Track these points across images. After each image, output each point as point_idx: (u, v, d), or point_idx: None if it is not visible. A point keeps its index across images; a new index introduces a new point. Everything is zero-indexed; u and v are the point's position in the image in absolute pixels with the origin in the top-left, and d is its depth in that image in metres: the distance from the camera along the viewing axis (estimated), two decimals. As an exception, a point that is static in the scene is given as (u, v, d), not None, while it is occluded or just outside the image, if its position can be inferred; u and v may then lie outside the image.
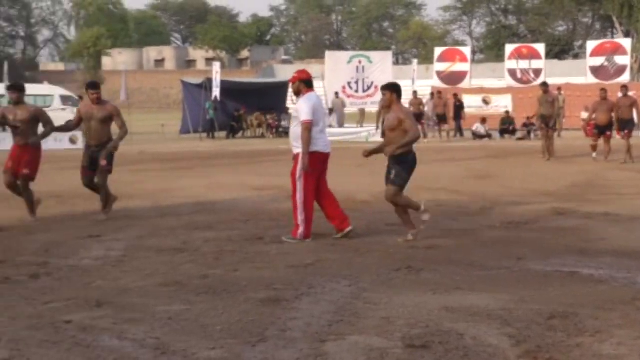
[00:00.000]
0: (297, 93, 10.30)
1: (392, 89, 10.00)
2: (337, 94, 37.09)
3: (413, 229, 9.95)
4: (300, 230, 9.97)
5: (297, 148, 10.09)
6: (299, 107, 10.16)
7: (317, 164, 10.09)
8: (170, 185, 16.50)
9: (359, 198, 13.91)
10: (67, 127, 13.08)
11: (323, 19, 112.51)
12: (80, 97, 38.15)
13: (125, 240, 10.20)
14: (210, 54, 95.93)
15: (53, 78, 72.46)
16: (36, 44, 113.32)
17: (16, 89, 12.14)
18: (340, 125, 36.45)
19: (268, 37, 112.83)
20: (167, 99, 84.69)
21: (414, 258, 8.76)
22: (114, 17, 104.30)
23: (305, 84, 10.26)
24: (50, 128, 12.28)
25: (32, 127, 12.03)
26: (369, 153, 10.37)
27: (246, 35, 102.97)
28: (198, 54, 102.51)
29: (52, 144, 26.64)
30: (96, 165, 12.14)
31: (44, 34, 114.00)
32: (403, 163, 9.87)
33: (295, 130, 10.17)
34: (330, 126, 36.37)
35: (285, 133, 34.51)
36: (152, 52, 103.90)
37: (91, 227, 11.23)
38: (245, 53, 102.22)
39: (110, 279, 7.97)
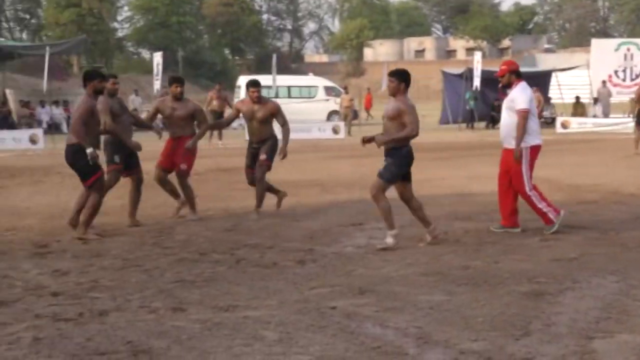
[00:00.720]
0: (508, 85, 10.06)
1: (399, 77, 9.14)
2: (604, 82, 35.87)
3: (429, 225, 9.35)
4: (550, 216, 9.79)
5: (512, 143, 9.85)
6: (514, 97, 9.91)
7: (537, 156, 9.98)
8: (430, 175, 16.52)
9: (625, 191, 13.40)
10: (219, 125, 13.17)
11: (589, 5, 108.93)
12: (346, 88, 39.05)
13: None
14: (471, 43, 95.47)
15: (317, 69, 74.56)
16: (302, 37, 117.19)
17: (180, 82, 11.59)
18: (606, 115, 35.20)
19: (530, 26, 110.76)
20: (427, 89, 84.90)
21: (688, 255, 8.31)
22: (376, 8, 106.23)
23: (515, 74, 10.04)
24: (205, 128, 12.02)
25: (189, 123, 11.62)
26: (367, 140, 9.43)
27: (508, 24, 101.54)
28: (458, 44, 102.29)
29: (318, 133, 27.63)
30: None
31: (310, 26, 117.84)
32: (395, 157, 9.08)
33: (509, 123, 9.94)
34: (595, 116, 35.24)
35: (547, 123, 33.74)
36: (412, 43, 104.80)
37: (354, 215, 11.45)
38: (506, 42, 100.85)
39: (372, 267, 8.11)
